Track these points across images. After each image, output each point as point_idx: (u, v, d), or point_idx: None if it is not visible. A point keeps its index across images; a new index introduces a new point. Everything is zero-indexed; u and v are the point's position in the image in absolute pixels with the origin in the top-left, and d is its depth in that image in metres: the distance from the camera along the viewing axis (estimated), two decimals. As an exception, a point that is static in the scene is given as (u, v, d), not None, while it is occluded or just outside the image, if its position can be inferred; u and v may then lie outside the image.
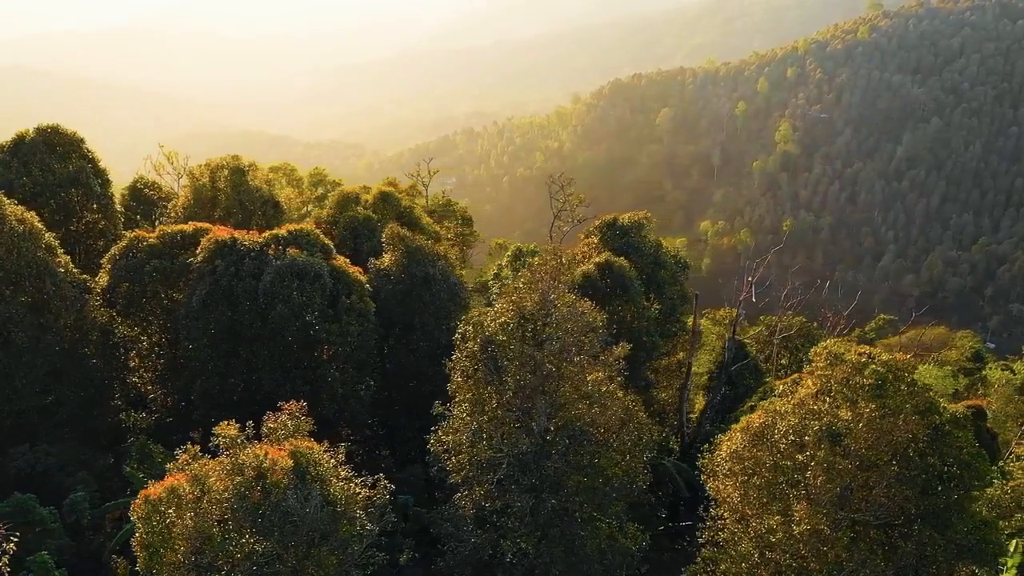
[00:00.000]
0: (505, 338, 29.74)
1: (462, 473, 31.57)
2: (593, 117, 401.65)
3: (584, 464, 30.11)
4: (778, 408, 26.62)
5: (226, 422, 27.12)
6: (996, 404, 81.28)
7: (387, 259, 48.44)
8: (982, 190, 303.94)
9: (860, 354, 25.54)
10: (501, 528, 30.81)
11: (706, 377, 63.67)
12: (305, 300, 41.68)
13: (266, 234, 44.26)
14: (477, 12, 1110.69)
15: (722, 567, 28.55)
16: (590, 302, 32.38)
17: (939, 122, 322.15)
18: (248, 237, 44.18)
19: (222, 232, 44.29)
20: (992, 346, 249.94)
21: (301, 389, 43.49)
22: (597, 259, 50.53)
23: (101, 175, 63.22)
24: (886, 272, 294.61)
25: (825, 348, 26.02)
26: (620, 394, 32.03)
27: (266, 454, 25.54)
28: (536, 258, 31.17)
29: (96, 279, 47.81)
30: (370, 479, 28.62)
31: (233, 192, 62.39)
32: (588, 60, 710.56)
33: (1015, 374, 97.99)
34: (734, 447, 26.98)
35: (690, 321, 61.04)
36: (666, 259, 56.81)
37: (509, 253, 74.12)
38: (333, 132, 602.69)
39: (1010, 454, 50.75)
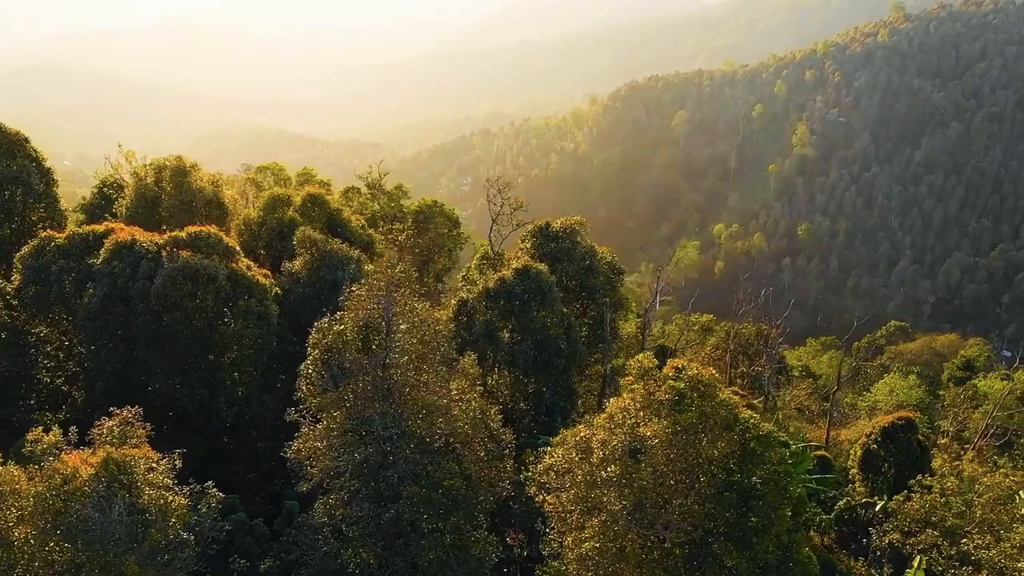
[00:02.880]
0: (344, 347, 29.37)
1: (311, 482, 31.25)
2: (609, 119, 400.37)
3: (423, 474, 29.66)
4: (595, 422, 26.04)
5: (39, 428, 27.00)
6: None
7: (298, 263, 48.27)
8: (1001, 196, 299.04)
9: (673, 368, 24.84)
10: (349, 538, 30.50)
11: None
12: (197, 303, 41.58)
13: (166, 236, 44.21)
14: (499, 13, 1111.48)
15: (559, 582, 27.94)
16: (437, 311, 31.89)
17: (959, 127, 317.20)
18: (148, 238, 44.16)
19: (123, 233, 44.29)
20: (1008, 354, 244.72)
21: (198, 392, 43.51)
22: (515, 264, 49.98)
23: (47, 175, 63.48)
24: (902, 278, 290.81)
25: (637, 362, 25.36)
26: (474, 404, 31.54)
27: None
28: (373, 266, 30.68)
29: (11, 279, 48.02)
30: (198, 486, 28.40)
31: (175, 192, 62.41)
32: (609, 61, 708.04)
33: (1016, 383, 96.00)
34: (552, 461, 26.41)
35: (627, 327, 60.37)
36: (599, 265, 56.05)
37: (478, 255, 73.65)
38: (354, 131, 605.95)
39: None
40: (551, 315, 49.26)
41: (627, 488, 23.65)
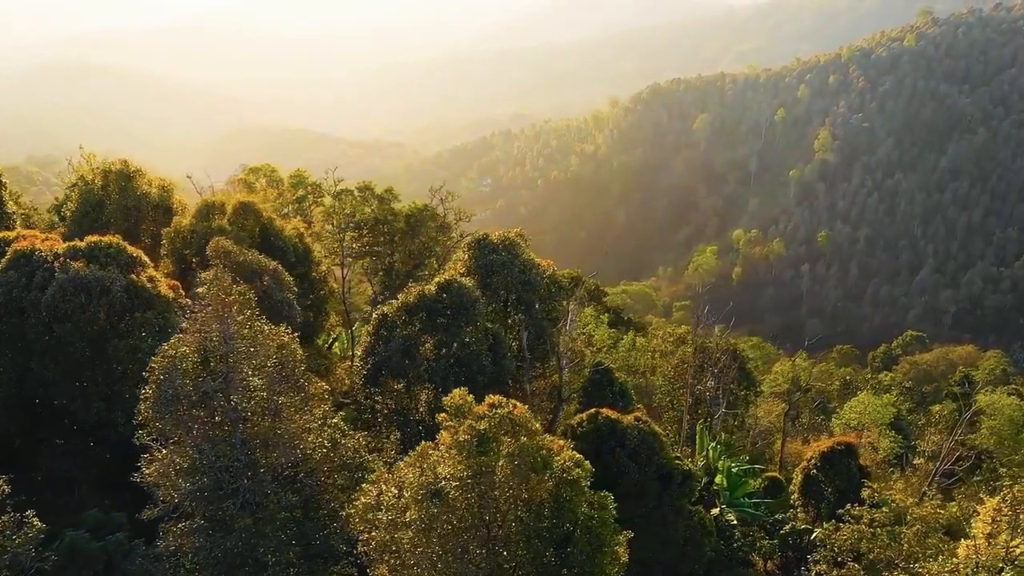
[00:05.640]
0: (179, 371, 28.06)
1: (155, 511, 29.90)
2: (630, 121, 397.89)
3: (263, 505, 28.26)
4: (407, 460, 24.47)
5: None
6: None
7: (210, 274, 47.01)
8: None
9: (488, 405, 23.16)
10: (188, 569, 29.18)
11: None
12: (89, 315, 40.45)
13: (65, 245, 43.19)
14: (523, 14, 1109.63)
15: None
16: (288, 331, 30.41)
17: (986, 133, 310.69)
18: (48, 247, 43.16)
19: (24, 242, 43.33)
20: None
21: (95, 405, 42.33)
22: (438, 278, 48.50)
23: (-4, 179, 62.93)
24: (923, 287, 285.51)
25: (450, 399, 23.69)
26: (328, 430, 30.10)
27: None
28: (204, 289, 29.33)
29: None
30: (18, 515, 27.24)
31: (120, 197, 61.54)
32: (633, 64, 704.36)
33: (1022, 399, 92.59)
34: (368, 500, 24.83)
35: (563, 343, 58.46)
36: (536, 279, 54.23)
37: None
38: (376, 131, 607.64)
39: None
40: (474, 331, 47.63)
41: (424, 534, 22.08)
